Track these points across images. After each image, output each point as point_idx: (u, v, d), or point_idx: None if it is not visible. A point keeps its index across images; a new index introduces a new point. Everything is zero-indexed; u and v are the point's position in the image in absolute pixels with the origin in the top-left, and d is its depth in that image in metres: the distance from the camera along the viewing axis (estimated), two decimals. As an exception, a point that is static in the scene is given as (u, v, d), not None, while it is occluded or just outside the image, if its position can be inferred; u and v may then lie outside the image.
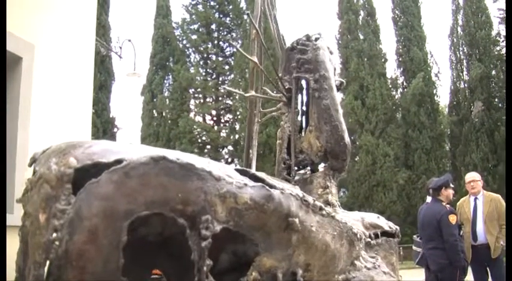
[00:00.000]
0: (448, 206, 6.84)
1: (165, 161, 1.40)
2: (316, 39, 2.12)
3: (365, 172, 28.92)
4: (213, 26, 36.98)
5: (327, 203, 1.86)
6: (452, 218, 6.68)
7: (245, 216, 1.43)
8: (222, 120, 36.66)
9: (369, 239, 2.02)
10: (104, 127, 28.34)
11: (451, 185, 7.07)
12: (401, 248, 26.97)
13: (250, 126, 2.43)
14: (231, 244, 1.62)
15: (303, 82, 2.36)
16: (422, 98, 29.85)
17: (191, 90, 34.88)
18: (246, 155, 2.15)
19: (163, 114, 33.62)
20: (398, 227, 2.14)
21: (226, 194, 1.37)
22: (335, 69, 2.17)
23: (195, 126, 33.61)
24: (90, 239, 1.38)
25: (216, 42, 37.12)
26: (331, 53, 2.17)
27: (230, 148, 35.18)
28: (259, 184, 1.51)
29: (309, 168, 2.31)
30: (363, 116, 29.91)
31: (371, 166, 28.74)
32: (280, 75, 2.44)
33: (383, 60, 31.99)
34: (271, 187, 1.55)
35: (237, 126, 34.09)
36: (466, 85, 30.26)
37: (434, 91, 31.49)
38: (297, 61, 2.11)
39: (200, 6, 36.99)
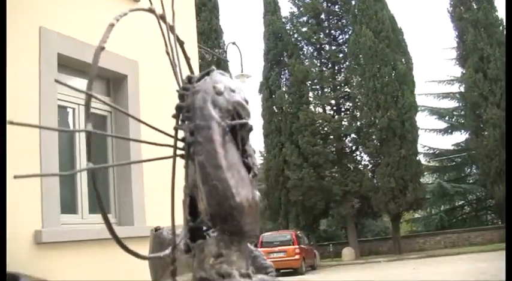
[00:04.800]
0: None
1: None
2: (200, 79, 1.73)
3: (494, 147, 27.98)
4: (322, 16, 37.02)
5: (221, 275, 1.51)
6: None
7: None
8: (342, 109, 36.67)
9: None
10: (227, 130, 29.28)
11: None
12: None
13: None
14: None
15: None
16: (549, 62, 28.12)
17: (308, 83, 35.21)
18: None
19: (283, 109, 34.19)
20: None
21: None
22: (229, 110, 1.63)
23: (315, 118, 33.90)
24: None
25: (327, 31, 37.13)
26: (219, 93, 1.65)
27: (353, 135, 35.17)
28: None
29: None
30: (486, 89, 28.87)
31: (500, 139, 27.59)
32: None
33: (501, 27, 30.46)
34: None
35: (358, 114, 33.96)
36: None
37: (562, 52, 29.52)
38: (177, 109, 1.71)
39: (307, -2, 37.11)
